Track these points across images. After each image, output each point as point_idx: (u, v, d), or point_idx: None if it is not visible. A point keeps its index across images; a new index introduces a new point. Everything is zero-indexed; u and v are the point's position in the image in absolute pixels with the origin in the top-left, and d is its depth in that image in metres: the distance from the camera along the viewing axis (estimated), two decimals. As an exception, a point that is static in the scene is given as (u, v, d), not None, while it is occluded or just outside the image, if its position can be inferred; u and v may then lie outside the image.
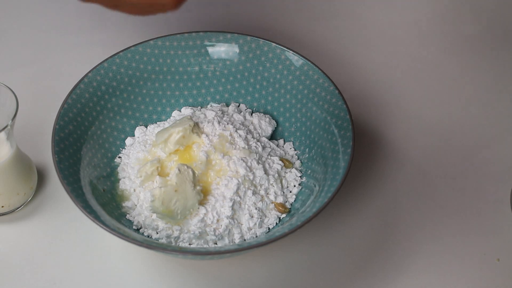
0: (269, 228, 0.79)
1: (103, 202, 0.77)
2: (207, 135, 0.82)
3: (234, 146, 0.82)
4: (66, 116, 0.80)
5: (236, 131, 0.83)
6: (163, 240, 0.77)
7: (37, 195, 0.85)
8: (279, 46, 0.86)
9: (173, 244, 0.77)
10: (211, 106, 0.89)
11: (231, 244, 0.77)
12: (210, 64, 0.88)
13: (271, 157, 0.83)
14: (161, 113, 0.88)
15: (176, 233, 0.77)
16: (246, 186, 0.79)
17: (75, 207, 0.72)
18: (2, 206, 0.81)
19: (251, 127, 0.86)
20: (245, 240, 0.78)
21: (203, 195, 0.78)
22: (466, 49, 1.03)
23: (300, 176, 0.83)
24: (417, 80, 0.99)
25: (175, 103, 0.89)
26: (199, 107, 0.89)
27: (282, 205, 0.80)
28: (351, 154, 0.76)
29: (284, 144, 0.87)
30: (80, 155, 0.79)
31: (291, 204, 0.81)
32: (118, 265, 0.79)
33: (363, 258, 0.81)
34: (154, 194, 0.76)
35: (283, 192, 0.82)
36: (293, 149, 0.86)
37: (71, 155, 0.77)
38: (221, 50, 0.88)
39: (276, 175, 0.82)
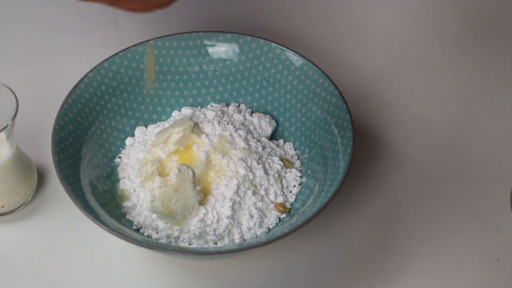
0: (269, 228, 0.79)
1: (103, 202, 0.77)
2: (207, 135, 0.82)
3: (234, 146, 0.82)
4: (66, 116, 0.80)
5: (236, 131, 0.83)
6: (163, 240, 0.77)
7: (37, 195, 0.85)
8: (279, 46, 0.86)
9: (173, 244, 0.77)
10: (211, 106, 0.89)
11: (231, 244, 0.77)
12: (210, 64, 0.88)
13: (271, 157, 0.83)
14: (161, 113, 0.88)
15: (176, 233, 0.77)
16: (246, 186, 0.79)
17: (75, 207, 0.72)
18: (2, 206, 0.81)
19: (251, 127, 0.86)
20: (245, 240, 0.78)
21: (203, 195, 0.78)
22: (466, 49, 1.03)
23: (300, 176, 0.83)
24: (417, 80, 0.99)
25: (175, 103, 0.89)
26: (199, 107, 0.89)
27: (282, 205, 0.80)
28: (351, 154, 0.76)
29: (284, 144, 0.87)
30: (80, 155, 0.79)
31: (291, 204, 0.81)
32: (118, 265, 0.79)
33: (363, 258, 0.81)
34: (154, 194, 0.76)
35: (283, 192, 0.82)
36: (293, 149, 0.86)
37: (71, 155, 0.77)
38: (221, 50, 0.88)
39: (276, 175, 0.82)
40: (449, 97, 0.97)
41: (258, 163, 0.81)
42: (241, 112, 0.88)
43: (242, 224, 0.78)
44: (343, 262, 0.80)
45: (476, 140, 0.92)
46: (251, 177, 0.80)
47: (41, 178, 0.86)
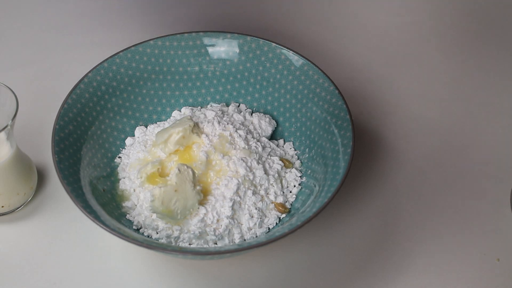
0: (269, 228, 0.79)
1: (103, 202, 0.77)
2: (207, 135, 0.82)
3: (234, 146, 0.82)
4: (66, 116, 0.80)
5: (236, 131, 0.83)
6: (163, 240, 0.77)
7: (37, 195, 0.85)
8: (279, 46, 0.86)
9: (173, 244, 0.77)
10: (211, 106, 0.89)
11: (231, 244, 0.77)
12: (210, 64, 0.88)
13: (271, 157, 0.83)
14: (161, 113, 0.88)
15: (176, 233, 0.77)
16: (246, 186, 0.79)
17: (75, 207, 0.72)
18: (2, 206, 0.81)
19: (251, 127, 0.86)
20: (245, 240, 0.78)
21: (203, 195, 0.78)
22: (466, 49, 1.03)
23: (300, 176, 0.83)
24: (417, 80, 0.99)
25: (175, 103, 0.89)
26: (199, 107, 0.89)
27: (282, 205, 0.80)
28: (351, 154, 0.76)
29: (284, 144, 0.87)
30: (80, 155, 0.79)
31: (291, 204, 0.81)
32: (118, 265, 0.79)
33: (363, 258, 0.81)
34: (154, 194, 0.76)
35: (283, 192, 0.82)
36: (293, 149, 0.86)
37: (71, 155, 0.77)
38: (221, 50, 0.88)
39: (276, 175, 0.82)
40: (449, 97, 0.97)
41: (258, 163, 0.81)
42: (241, 112, 0.88)
43: (242, 224, 0.78)
44: (343, 262, 0.80)
45: (476, 140, 0.92)
46: (251, 177, 0.80)
47: (41, 178, 0.86)
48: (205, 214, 0.77)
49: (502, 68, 1.00)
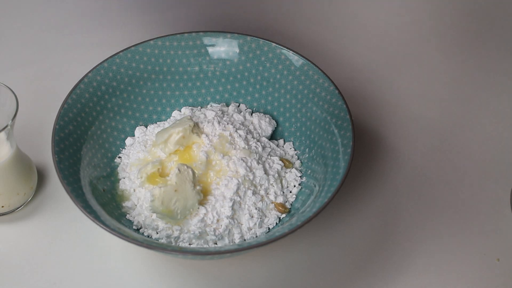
0: (269, 228, 0.79)
1: (103, 202, 0.77)
2: (207, 135, 0.82)
3: (234, 146, 0.82)
4: (66, 116, 0.80)
5: (236, 131, 0.83)
6: (163, 240, 0.77)
7: (37, 195, 0.85)
8: (279, 46, 0.86)
9: (173, 244, 0.77)
10: (211, 106, 0.89)
11: (231, 244, 0.77)
12: (210, 64, 0.88)
13: (271, 157, 0.83)
14: (161, 113, 0.88)
15: (176, 233, 0.77)
16: (246, 186, 0.79)
17: (75, 207, 0.72)
18: (2, 206, 0.81)
19: (251, 127, 0.86)
20: (245, 240, 0.78)
21: (203, 195, 0.78)
22: (466, 49, 1.03)
23: (300, 176, 0.83)
24: (417, 80, 0.99)
25: (175, 103, 0.89)
26: (199, 107, 0.89)
27: (282, 205, 0.80)
28: (351, 154, 0.76)
29: (284, 144, 0.87)
30: (80, 155, 0.79)
31: (291, 204, 0.81)
32: (118, 265, 0.79)
33: (363, 258, 0.81)
34: (154, 194, 0.76)
35: (283, 192, 0.82)
36: (293, 149, 0.86)
37: (71, 155, 0.77)
38: (221, 50, 0.88)
39: (276, 175, 0.82)
40: (449, 97, 0.97)
41: (258, 163, 0.81)
42: (241, 112, 0.88)
43: (242, 224, 0.78)
44: (343, 262, 0.80)
45: (476, 140, 0.92)
46: (251, 177, 0.80)
47: (41, 178, 0.86)
48: (205, 214, 0.77)
49: (502, 68, 1.00)
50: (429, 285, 0.79)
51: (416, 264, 0.80)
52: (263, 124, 0.86)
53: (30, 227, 0.82)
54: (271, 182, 0.81)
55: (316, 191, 0.78)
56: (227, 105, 0.89)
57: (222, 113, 0.86)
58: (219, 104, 0.89)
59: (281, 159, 0.84)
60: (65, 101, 0.80)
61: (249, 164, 0.81)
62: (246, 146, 0.82)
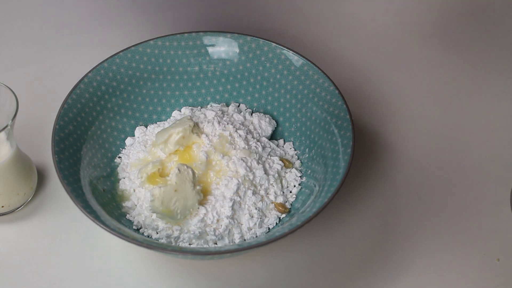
0: (269, 228, 0.79)
1: (103, 202, 0.77)
2: (207, 135, 0.82)
3: (234, 146, 0.82)
4: (66, 116, 0.80)
5: (236, 131, 0.83)
6: (163, 240, 0.77)
7: (37, 195, 0.85)
8: (279, 46, 0.86)
9: (173, 244, 0.77)
10: (211, 106, 0.89)
11: (231, 244, 0.77)
12: (210, 64, 0.88)
13: (271, 157, 0.83)
14: (161, 113, 0.88)
15: (176, 233, 0.77)
16: (246, 186, 0.79)
17: (75, 207, 0.72)
18: (2, 206, 0.81)
19: (251, 127, 0.86)
20: (245, 240, 0.78)
21: (203, 195, 0.78)
22: (466, 49, 1.03)
23: (300, 176, 0.83)
24: (417, 80, 0.99)
25: (175, 103, 0.89)
26: (199, 107, 0.89)
27: (282, 205, 0.80)
28: (351, 154, 0.76)
29: (284, 144, 0.87)
30: (80, 155, 0.79)
31: (291, 204, 0.81)
32: (118, 265, 0.79)
33: (363, 258, 0.81)
34: (154, 194, 0.76)
35: (283, 192, 0.82)
36: (293, 149, 0.86)
37: (71, 155, 0.77)
38: (221, 50, 0.88)
39: (276, 175, 0.82)
40: (449, 97, 0.97)
41: (258, 163, 0.81)
42: (241, 112, 0.88)
43: (242, 224, 0.78)
44: (343, 262, 0.80)
45: (476, 140, 0.92)
46: (251, 177, 0.80)
47: (41, 178, 0.86)
48: (205, 214, 0.77)
49: (502, 68, 1.00)
50: (429, 285, 0.79)
51: (416, 264, 0.80)
52: (263, 124, 0.86)
53: (30, 227, 0.82)
54: (271, 182, 0.81)
55: (316, 191, 0.78)
56: (227, 105, 0.89)
57: (222, 113, 0.86)
58: (219, 104, 0.89)
59: (281, 159, 0.84)
60: (65, 101, 0.80)
61: (249, 164, 0.81)
62: (246, 146, 0.82)
